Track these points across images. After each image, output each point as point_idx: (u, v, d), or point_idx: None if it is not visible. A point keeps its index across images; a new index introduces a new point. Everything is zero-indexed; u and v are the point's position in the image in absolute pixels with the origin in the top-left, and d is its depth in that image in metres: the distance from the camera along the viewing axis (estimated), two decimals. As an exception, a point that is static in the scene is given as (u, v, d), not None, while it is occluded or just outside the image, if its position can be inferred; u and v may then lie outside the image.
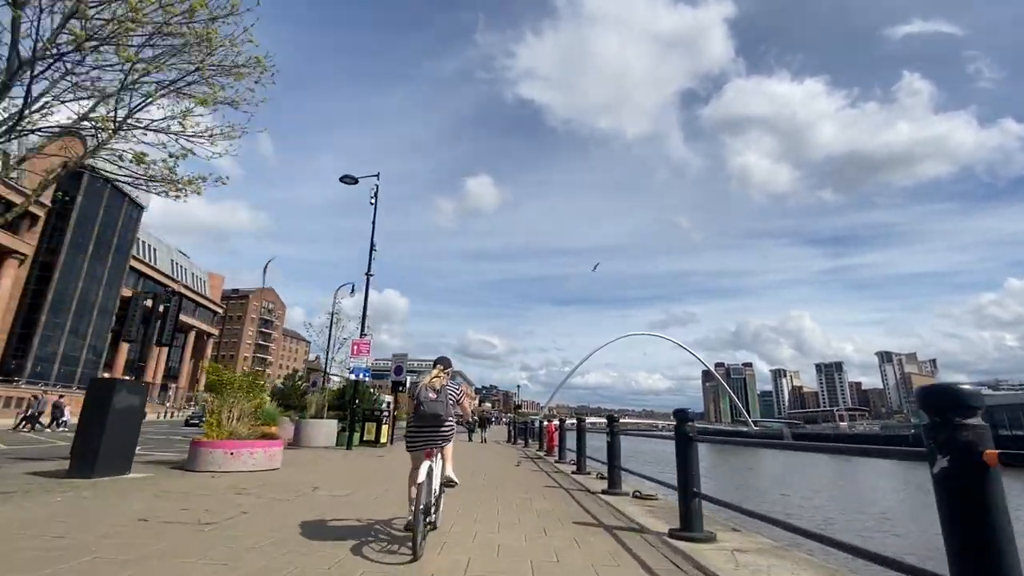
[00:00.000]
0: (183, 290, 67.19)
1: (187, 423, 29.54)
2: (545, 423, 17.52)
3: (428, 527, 3.70)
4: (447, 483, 4.13)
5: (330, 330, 23.12)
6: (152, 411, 45.00)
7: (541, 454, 15.27)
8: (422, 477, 3.54)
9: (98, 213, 46.41)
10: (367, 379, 14.96)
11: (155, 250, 63.57)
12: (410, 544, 3.35)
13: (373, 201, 16.05)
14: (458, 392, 4.04)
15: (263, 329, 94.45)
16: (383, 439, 15.81)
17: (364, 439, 15.72)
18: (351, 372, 14.77)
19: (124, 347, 56.15)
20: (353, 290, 36.26)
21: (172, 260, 67.72)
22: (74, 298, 44.31)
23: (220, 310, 78.72)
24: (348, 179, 15.65)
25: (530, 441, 21.39)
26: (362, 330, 15.18)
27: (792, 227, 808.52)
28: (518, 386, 53.61)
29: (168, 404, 59.33)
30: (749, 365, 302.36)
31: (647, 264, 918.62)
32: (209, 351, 75.47)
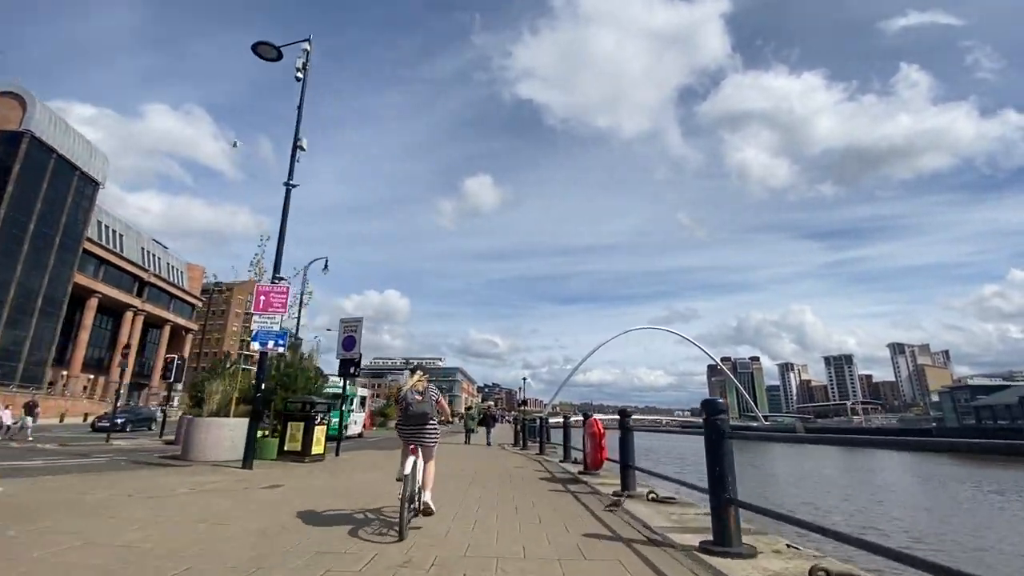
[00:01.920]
0: (154, 280, 61.60)
1: (94, 427, 23.42)
2: (572, 419, 11.85)
3: (412, 513, 4.20)
4: (424, 511, 4.35)
5: (300, 300, 19.11)
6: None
7: (572, 469, 9.59)
8: (407, 470, 4.14)
9: (41, 187, 40.55)
10: (281, 349, 9.19)
11: (121, 236, 57.75)
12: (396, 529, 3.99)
13: (300, 74, 10.29)
14: (436, 394, 4.66)
15: (247, 324, 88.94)
16: (317, 448, 10.03)
17: (286, 449, 9.95)
18: (253, 339, 9.00)
19: (83, 340, 50.51)
20: (326, 266, 30.45)
21: (143, 248, 61.88)
22: (11, 285, 38.45)
23: (199, 303, 72.99)
24: (265, 48, 9.85)
25: (548, 448, 15.71)
26: (276, 269, 9.41)
27: (792, 221, 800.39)
28: (524, 379, 48.58)
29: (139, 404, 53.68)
30: (757, 359, 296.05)
31: (648, 261, 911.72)
32: (188, 347, 69.72)
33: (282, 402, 10.60)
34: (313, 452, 9.88)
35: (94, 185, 47.05)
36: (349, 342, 11.62)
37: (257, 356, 9.63)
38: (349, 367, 11.55)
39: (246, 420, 10.49)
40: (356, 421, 23.02)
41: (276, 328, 9.17)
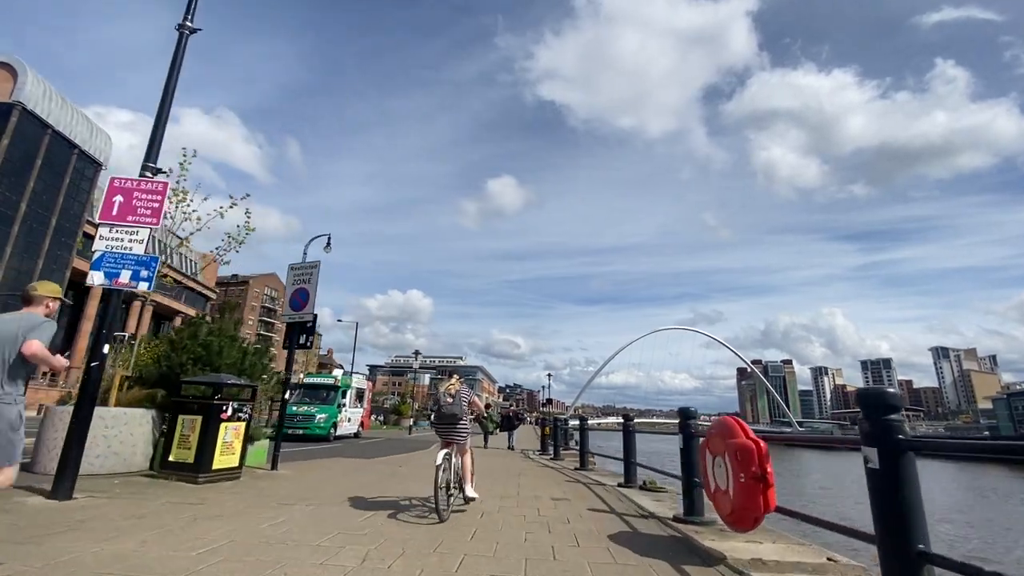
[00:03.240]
0: (163, 268, 59.29)
1: None
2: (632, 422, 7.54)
3: (452, 498, 4.88)
4: (468, 499, 5.28)
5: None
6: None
7: (648, 505, 5.37)
8: (440, 461, 4.66)
9: (34, 164, 38.06)
10: (144, 287, 5.25)
11: (130, 223, 55.41)
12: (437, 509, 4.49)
13: None
14: (468, 395, 5.19)
15: (265, 318, 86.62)
16: (226, 460, 6.09)
17: (172, 459, 6.02)
18: (93, 267, 5.08)
19: (86, 330, 48.32)
20: (328, 243, 27.17)
21: (153, 236, 59.57)
22: (0, 268, 36.00)
23: (213, 295, 70.87)
24: None
25: (589, 460, 11.50)
26: (149, 153, 5.48)
27: (822, 222, 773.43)
28: (549, 374, 45.00)
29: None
30: (789, 362, 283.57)
31: (673, 262, 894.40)
32: (200, 341, 67.40)
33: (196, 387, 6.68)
34: (217, 467, 5.92)
35: (95, 166, 44.59)
36: (299, 297, 7.71)
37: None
38: (299, 334, 7.57)
39: (141, 411, 6.70)
40: (351, 418, 19.24)
41: (138, 250, 5.24)
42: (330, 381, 18.71)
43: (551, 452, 15.38)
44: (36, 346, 3.02)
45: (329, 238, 28.86)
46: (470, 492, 5.26)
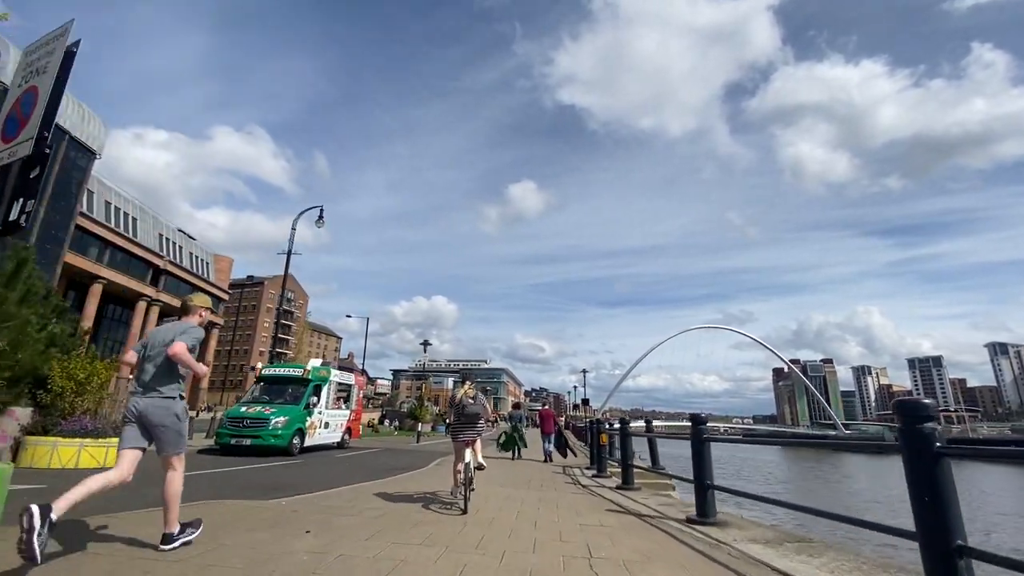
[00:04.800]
0: (171, 267, 56.62)
1: None
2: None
3: (472, 490, 5.81)
4: (478, 467, 6.53)
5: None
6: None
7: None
8: (467, 459, 5.64)
9: (17, 150, 34.83)
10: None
11: (135, 220, 52.96)
12: (461, 505, 5.41)
13: None
14: (483, 399, 6.32)
15: (282, 320, 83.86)
16: None
17: None
18: None
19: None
20: (321, 216, 23.25)
21: (160, 234, 57.16)
22: (-21, 259, 32.69)
23: (225, 296, 68.07)
24: None
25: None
26: None
27: (854, 218, 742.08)
28: (585, 371, 39.97)
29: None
30: (830, 362, 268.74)
31: (699, 262, 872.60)
32: (213, 343, 64.72)
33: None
34: None
35: (89, 155, 41.53)
36: (22, 110, 2.93)
37: None
38: (23, 193, 2.85)
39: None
40: (330, 424, 14.65)
41: None
42: (296, 373, 14.17)
43: (600, 467, 10.44)
44: (179, 347, 3.42)
45: (321, 210, 24.27)
46: (481, 461, 6.81)
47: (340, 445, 15.49)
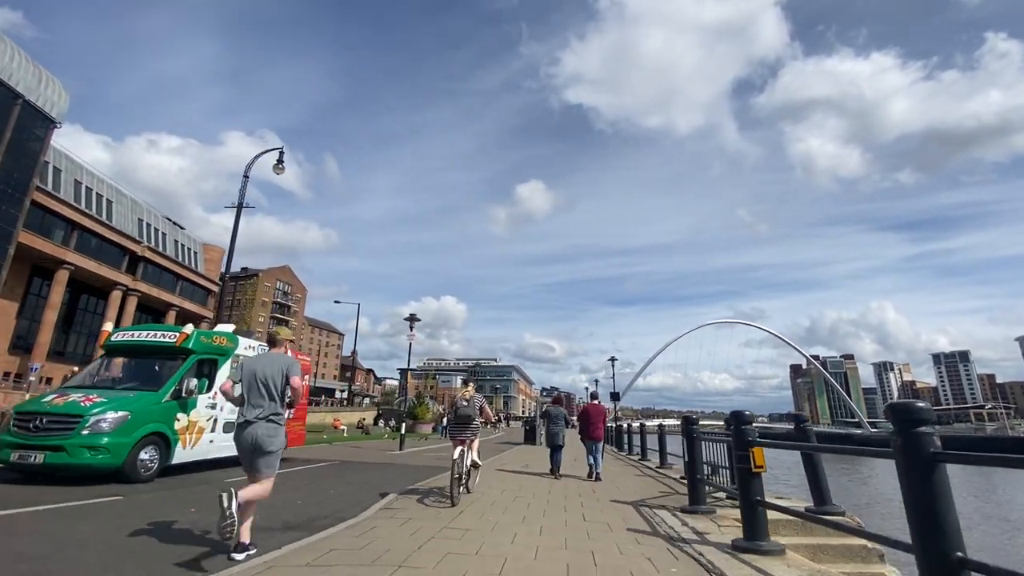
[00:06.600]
0: (149, 254, 52.18)
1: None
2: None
3: (463, 489, 6.66)
4: (473, 465, 7.14)
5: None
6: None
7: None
8: (456, 456, 6.38)
9: (-47, 111, 30.51)
10: None
11: (110, 203, 48.68)
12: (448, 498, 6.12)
13: None
14: (480, 401, 6.96)
15: (277, 315, 79.25)
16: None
17: None
18: None
19: (49, 321, 40.96)
20: (280, 160, 18.47)
21: (140, 219, 52.86)
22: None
23: (214, 288, 63.63)
24: None
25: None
26: None
27: (867, 213, 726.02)
28: (613, 358, 35.71)
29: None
30: (851, 357, 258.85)
31: (709, 260, 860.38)
32: (203, 338, 60.11)
33: None
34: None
35: (47, 122, 37.04)
36: None
37: None
38: None
39: None
40: (209, 424, 9.61)
41: None
42: (164, 340, 9.03)
43: (702, 500, 5.25)
44: (298, 381, 4.28)
45: (281, 153, 19.41)
46: (476, 459, 7.28)
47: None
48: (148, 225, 54.09)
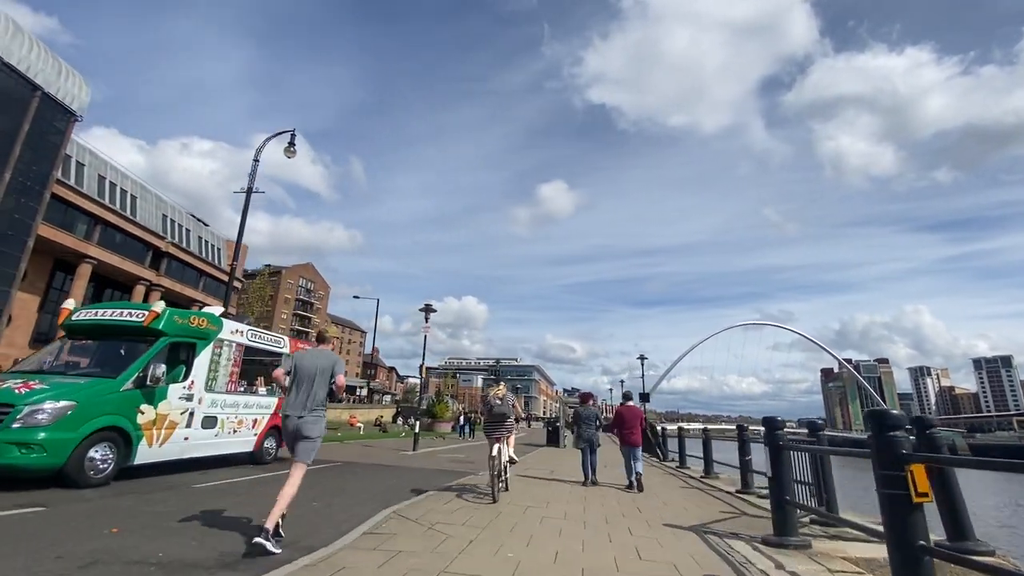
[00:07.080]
0: (173, 250, 52.24)
1: None
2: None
3: (502, 485, 6.81)
4: (511, 461, 7.33)
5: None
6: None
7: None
8: (494, 453, 6.54)
9: (-25, 103, 30.41)
10: None
11: (134, 198, 48.80)
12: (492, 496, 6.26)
13: None
14: (512, 399, 7.11)
15: (300, 312, 79.29)
16: None
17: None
18: None
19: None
20: (292, 142, 17.18)
21: (164, 215, 52.95)
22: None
23: (239, 285, 63.73)
24: None
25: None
26: None
27: (901, 213, 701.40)
28: (642, 357, 33.74)
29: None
30: (885, 361, 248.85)
31: (734, 261, 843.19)
32: (224, 334, 60.28)
33: None
34: None
35: (67, 115, 36.93)
36: None
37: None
38: None
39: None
40: (228, 419, 8.45)
41: None
42: (131, 319, 7.81)
43: (790, 531, 3.51)
44: (342, 379, 4.62)
45: (293, 135, 18.15)
46: (512, 455, 7.46)
47: (254, 458, 9.14)
48: (172, 221, 54.24)
